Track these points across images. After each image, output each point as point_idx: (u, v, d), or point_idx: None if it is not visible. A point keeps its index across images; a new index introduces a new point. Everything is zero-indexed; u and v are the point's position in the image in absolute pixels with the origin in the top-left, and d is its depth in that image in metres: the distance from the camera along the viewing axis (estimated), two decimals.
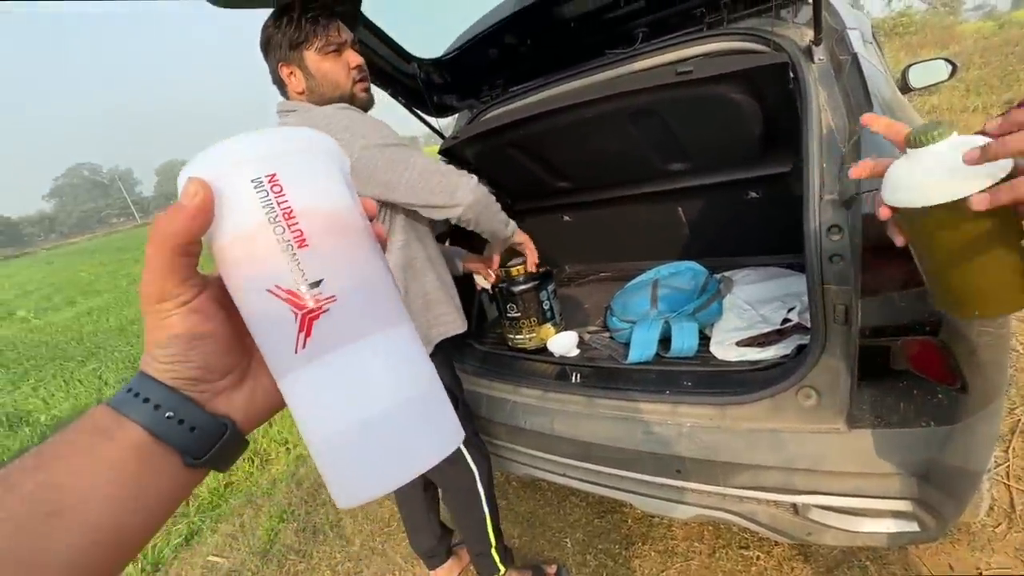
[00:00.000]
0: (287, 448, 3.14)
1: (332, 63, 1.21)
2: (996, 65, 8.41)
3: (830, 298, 1.12)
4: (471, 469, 1.43)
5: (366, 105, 1.28)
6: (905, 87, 2.39)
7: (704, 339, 1.53)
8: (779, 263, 2.00)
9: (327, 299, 0.28)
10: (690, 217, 2.08)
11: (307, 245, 0.28)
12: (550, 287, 1.76)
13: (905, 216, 0.54)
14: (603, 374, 1.54)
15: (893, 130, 0.58)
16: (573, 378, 1.57)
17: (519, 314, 1.74)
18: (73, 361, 6.04)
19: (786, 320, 1.41)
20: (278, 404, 0.33)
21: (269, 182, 0.27)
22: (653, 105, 1.46)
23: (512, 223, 1.40)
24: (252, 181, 0.27)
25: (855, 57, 1.27)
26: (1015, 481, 1.79)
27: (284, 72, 1.21)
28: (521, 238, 1.53)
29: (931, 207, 0.50)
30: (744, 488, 1.23)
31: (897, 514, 1.14)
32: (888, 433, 1.09)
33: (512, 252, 1.68)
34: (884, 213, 0.57)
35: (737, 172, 1.77)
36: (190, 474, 0.30)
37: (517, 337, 1.78)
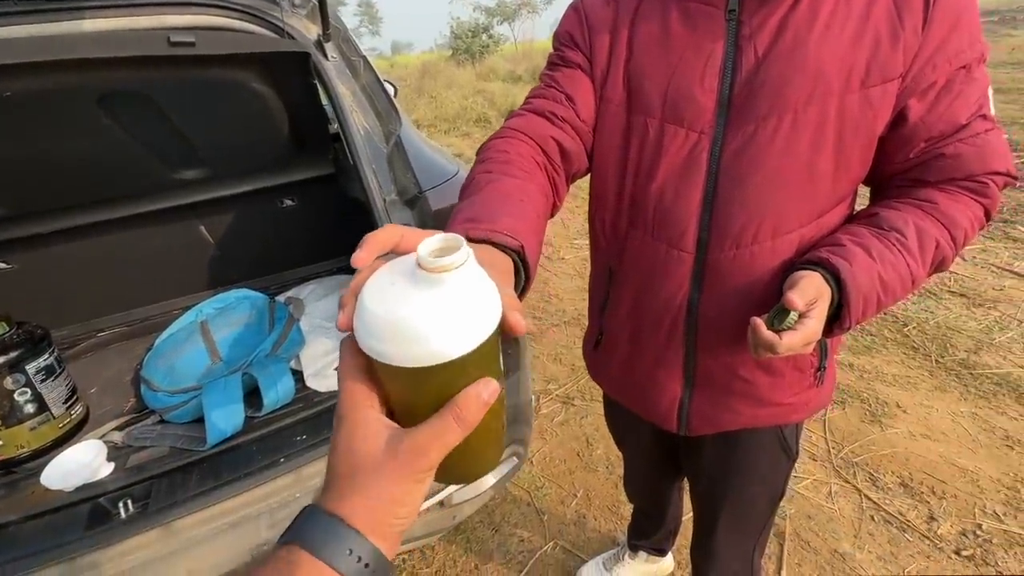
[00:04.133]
0: None
1: None
2: (400, 94, 11.53)
3: None
4: None
5: None
6: None
7: (297, 376, 1.29)
8: (329, 270, 1.95)
9: None
10: (218, 236, 1.69)
11: None
12: (40, 361, 1.08)
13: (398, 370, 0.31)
14: (176, 481, 1.05)
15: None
16: (122, 511, 1.00)
17: None
18: None
19: None
20: None
21: None
22: (135, 86, 1.02)
23: None
24: None
25: (366, 60, 1.30)
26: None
27: None
28: None
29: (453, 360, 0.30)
30: None
31: (507, 458, 1.34)
32: None
33: None
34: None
35: (269, 178, 1.54)
36: None
37: None
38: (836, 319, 0.62)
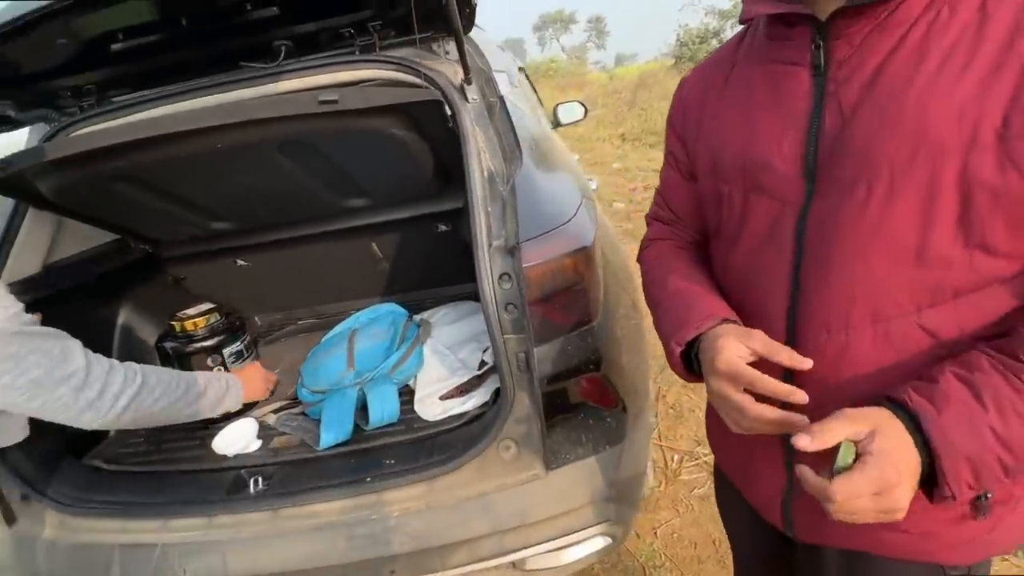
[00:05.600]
0: None
1: None
2: (611, 107, 11.47)
3: (511, 347, 1.09)
4: None
5: None
6: (556, 122, 2.84)
7: (409, 393, 1.38)
8: (465, 293, 2.03)
9: None
10: (386, 253, 1.93)
11: None
12: (234, 346, 1.35)
13: None
14: (293, 472, 1.22)
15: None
16: (252, 487, 1.20)
17: None
18: None
19: (483, 363, 1.37)
20: None
21: None
22: (302, 136, 1.22)
23: (231, 391, 1.26)
24: None
25: (503, 100, 1.31)
26: (664, 440, 2.25)
27: None
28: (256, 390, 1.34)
29: None
30: (463, 565, 1.12)
31: (595, 537, 1.20)
32: (579, 465, 1.13)
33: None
34: None
35: (424, 206, 1.69)
36: None
37: None
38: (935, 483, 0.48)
